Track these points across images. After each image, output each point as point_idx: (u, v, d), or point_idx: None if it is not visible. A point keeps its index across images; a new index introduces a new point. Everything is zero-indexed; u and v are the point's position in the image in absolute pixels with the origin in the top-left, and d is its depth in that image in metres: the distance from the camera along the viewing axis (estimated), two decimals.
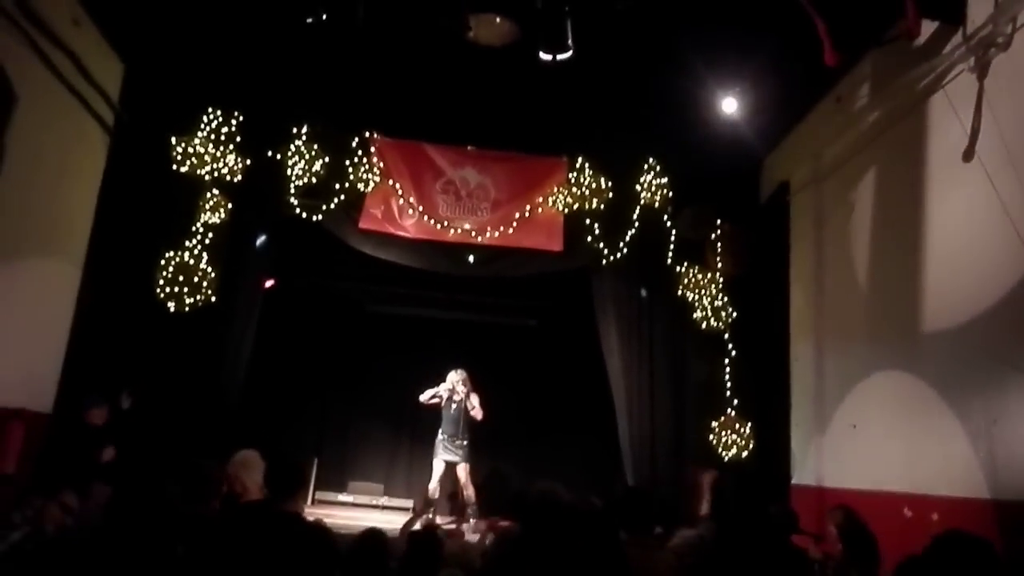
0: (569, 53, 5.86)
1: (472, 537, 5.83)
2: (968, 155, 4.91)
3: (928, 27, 5.47)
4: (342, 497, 8.80)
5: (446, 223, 7.77)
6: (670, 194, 7.91)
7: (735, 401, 7.58)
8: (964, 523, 4.00)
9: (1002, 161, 4.75)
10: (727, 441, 7.36)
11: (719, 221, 8.00)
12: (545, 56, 5.88)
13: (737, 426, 7.44)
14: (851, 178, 6.69)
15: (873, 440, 6.02)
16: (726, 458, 7.34)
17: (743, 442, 7.37)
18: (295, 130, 7.56)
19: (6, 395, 5.88)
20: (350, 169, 7.65)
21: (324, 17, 5.62)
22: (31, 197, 6.03)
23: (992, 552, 2.66)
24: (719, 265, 7.89)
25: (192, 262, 7.15)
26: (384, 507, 8.59)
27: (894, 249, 5.98)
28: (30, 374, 6.31)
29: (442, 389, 7.78)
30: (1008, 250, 4.66)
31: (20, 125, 5.68)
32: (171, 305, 7.01)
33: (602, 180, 7.83)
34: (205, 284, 7.15)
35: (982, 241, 4.94)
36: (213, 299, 7.19)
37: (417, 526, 3.83)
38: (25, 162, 5.82)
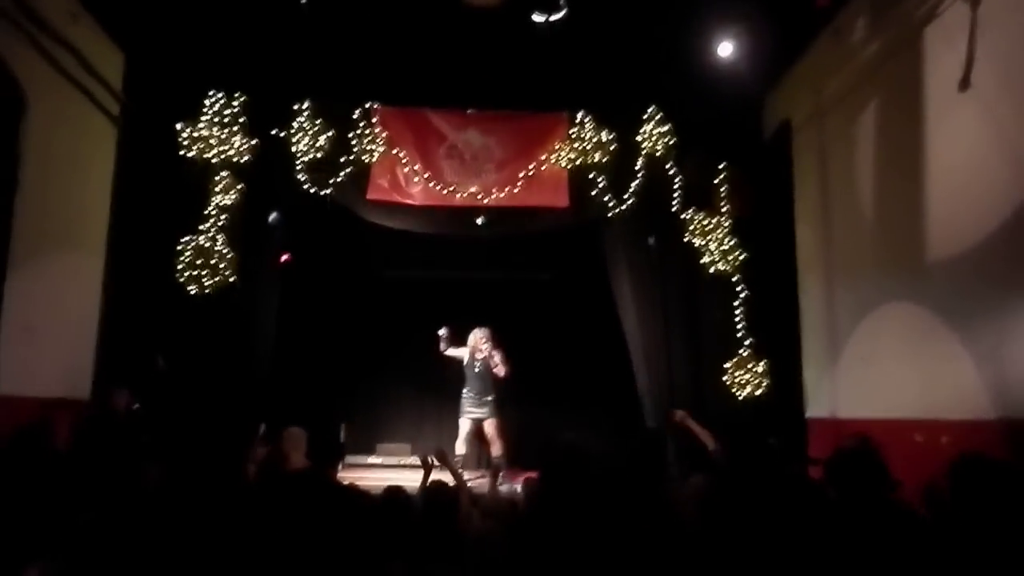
0: (563, 13, 5.89)
1: (504, 488, 6.05)
2: (964, 84, 4.96)
3: None
4: (371, 459, 9.07)
5: (453, 187, 7.87)
6: (673, 141, 7.93)
7: (749, 341, 7.73)
8: (972, 444, 4.17)
9: (999, 88, 4.79)
10: (742, 380, 7.55)
11: (724, 164, 8.05)
12: (538, 18, 5.91)
13: (751, 365, 7.61)
14: (852, 112, 6.71)
15: (885, 369, 6.16)
16: (741, 397, 7.53)
17: (758, 380, 7.55)
18: (298, 106, 7.62)
19: (47, 386, 6.13)
20: (354, 141, 7.73)
21: None
22: (48, 194, 6.17)
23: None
24: (725, 208, 7.97)
25: (209, 245, 7.33)
26: (412, 466, 8.83)
27: (897, 181, 6.03)
28: (67, 365, 6.56)
29: (463, 352, 7.85)
30: (1007, 175, 4.74)
31: (31, 125, 5.83)
32: (192, 288, 7.23)
33: (604, 133, 7.86)
34: (224, 265, 7.34)
35: (982, 168, 5.00)
36: (232, 279, 7.39)
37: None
38: (39, 160, 5.97)
